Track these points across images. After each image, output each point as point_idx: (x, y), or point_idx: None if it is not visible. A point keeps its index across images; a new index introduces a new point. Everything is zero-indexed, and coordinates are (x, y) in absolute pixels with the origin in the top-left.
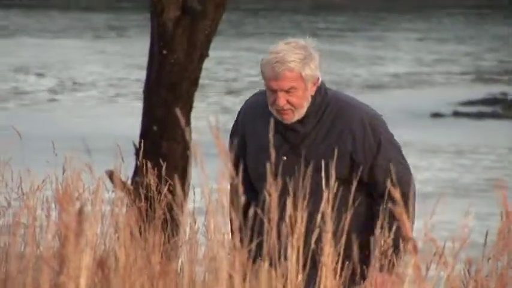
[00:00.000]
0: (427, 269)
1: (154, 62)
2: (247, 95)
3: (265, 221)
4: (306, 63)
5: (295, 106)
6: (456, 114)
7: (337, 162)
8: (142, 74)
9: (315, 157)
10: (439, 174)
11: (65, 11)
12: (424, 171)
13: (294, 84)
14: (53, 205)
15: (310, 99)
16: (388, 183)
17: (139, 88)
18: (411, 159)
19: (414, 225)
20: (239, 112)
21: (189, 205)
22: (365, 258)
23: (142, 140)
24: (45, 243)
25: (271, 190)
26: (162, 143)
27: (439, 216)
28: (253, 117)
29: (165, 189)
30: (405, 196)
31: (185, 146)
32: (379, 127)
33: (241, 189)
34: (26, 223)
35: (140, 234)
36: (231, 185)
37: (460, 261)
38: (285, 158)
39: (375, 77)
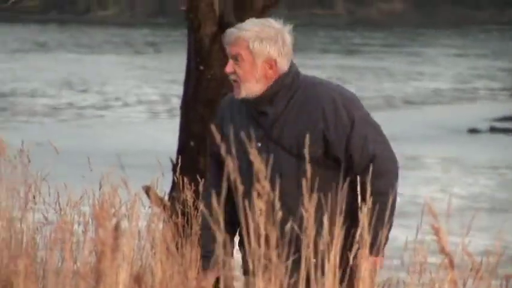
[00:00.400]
0: (464, 284)
1: (191, 78)
2: None
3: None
4: (260, 38)
5: (240, 78)
6: (493, 130)
7: (310, 143)
8: (181, 90)
9: (287, 139)
10: (476, 189)
11: (101, 26)
12: (461, 187)
13: (240, 52)
14: (90, 220)
15: (263, 79)
16: (365, 160)
17: (178, 104)
18: (449, 175)
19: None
20: (218, 108)
21: None
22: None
23: (180, 156)
24: (82, 258)
25: (308, 206)
26: (200, 158)
27: (476, 232)
28: (230, 109)
29: (201, 205)
30: (387, 172)
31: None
32: (353, 106)
33: (278, 203)
34: (63, 239)
35: (177, 249)
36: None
37: (497, 277)
38: (259, 144)
39: (413, 93)
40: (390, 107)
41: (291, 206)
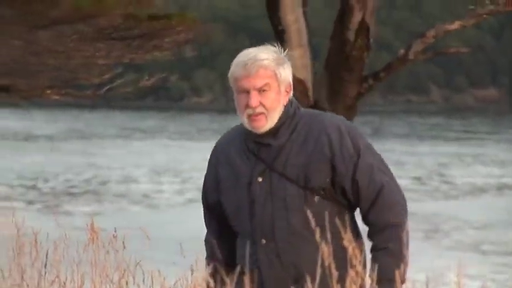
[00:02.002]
0: None
1: None
2: None
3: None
4: (279, 63)
5: (268, 109)
6: None
7: (317, 172)
8: None
9: (293, 170)
10: None
11: (196, 112)
12: None
13: (268, 82)
14: None
15: (282, 106)
16: (373, 191)
17: None
18: None
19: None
20: (211, 154)
21: None
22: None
23: None
24: None
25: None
26: None
27: None
28: (223, 148)
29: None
30: (395, 204)
31: None
32: (357, 134)
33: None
34: None
35: None
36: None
37: None
38: (260, 179)
39: None
40: (492, 193)
41: (298, 246)
